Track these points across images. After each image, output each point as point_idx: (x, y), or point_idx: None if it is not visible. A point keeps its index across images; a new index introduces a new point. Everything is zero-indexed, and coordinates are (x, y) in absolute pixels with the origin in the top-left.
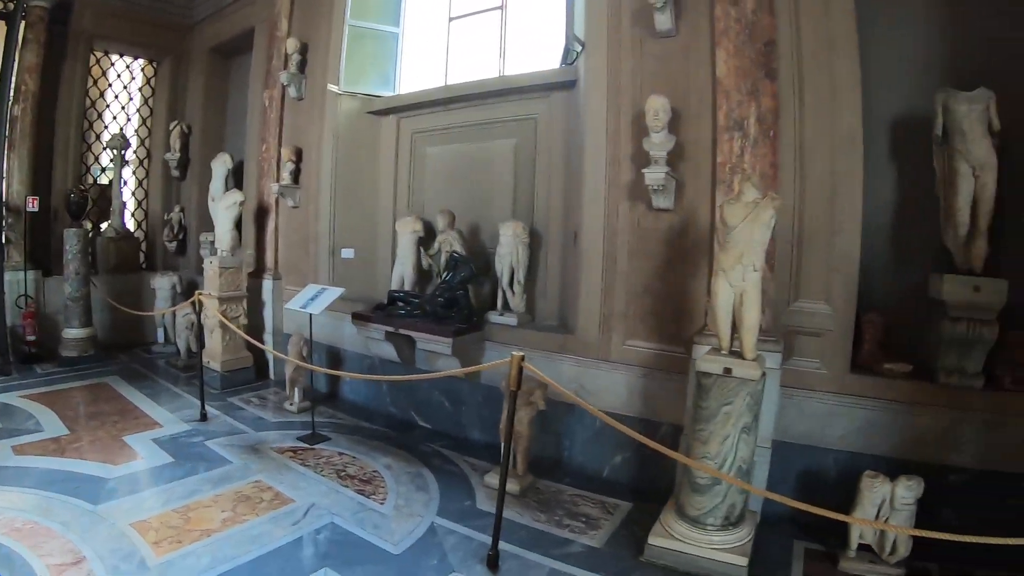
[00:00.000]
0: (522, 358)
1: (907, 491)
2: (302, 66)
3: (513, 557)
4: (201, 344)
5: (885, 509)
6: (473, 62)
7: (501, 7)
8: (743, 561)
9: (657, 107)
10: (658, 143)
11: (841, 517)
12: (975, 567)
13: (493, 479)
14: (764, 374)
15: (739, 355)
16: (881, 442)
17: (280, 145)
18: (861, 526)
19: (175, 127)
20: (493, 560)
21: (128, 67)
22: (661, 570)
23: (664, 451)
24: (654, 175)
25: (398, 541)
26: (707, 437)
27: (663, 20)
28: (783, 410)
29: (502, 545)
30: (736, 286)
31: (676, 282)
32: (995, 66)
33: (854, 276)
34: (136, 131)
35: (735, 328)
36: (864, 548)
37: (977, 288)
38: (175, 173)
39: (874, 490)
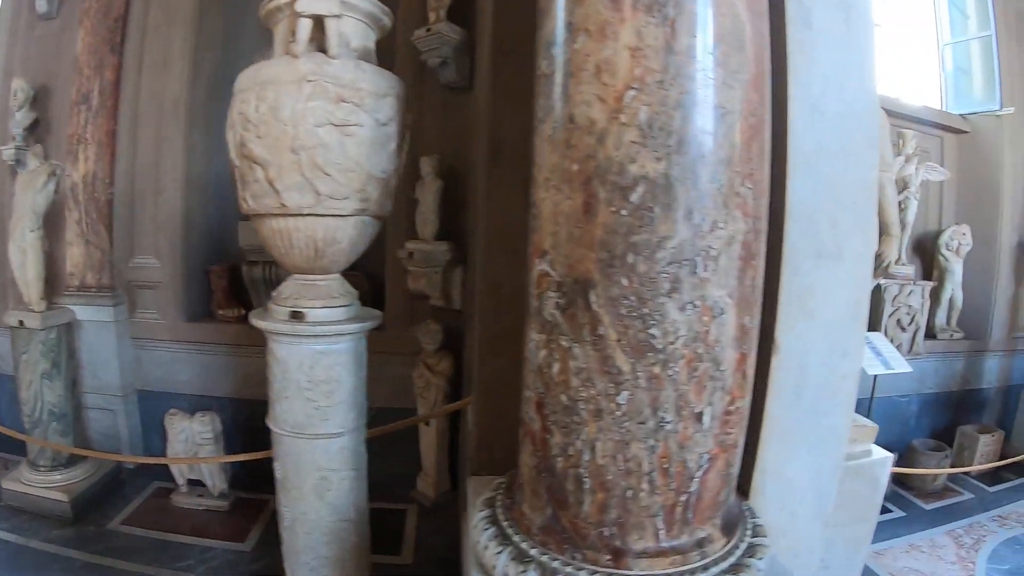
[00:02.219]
0: None
1: (202, 427)
2: None
3: None
4: None
5: (192, 445)
6: None
7: None
8: (66, 498)
9: (16, 87)
10: (18, 120)
11: (114, 457)
12: None
13: None
14: (71, 324)
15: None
16: (220, 384)
17: None
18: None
19: None
20: None
21: None
22: (10, 510)
23: None
24: (8, 151)
25: None
26: (19, 384)
27: (41, 3)
28: (139, 360)
29: None
30: (21, 247)
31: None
32: None
33: (178, 231)
34: None
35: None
36: (199, 483)
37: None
38: None
39: (174, 427)
